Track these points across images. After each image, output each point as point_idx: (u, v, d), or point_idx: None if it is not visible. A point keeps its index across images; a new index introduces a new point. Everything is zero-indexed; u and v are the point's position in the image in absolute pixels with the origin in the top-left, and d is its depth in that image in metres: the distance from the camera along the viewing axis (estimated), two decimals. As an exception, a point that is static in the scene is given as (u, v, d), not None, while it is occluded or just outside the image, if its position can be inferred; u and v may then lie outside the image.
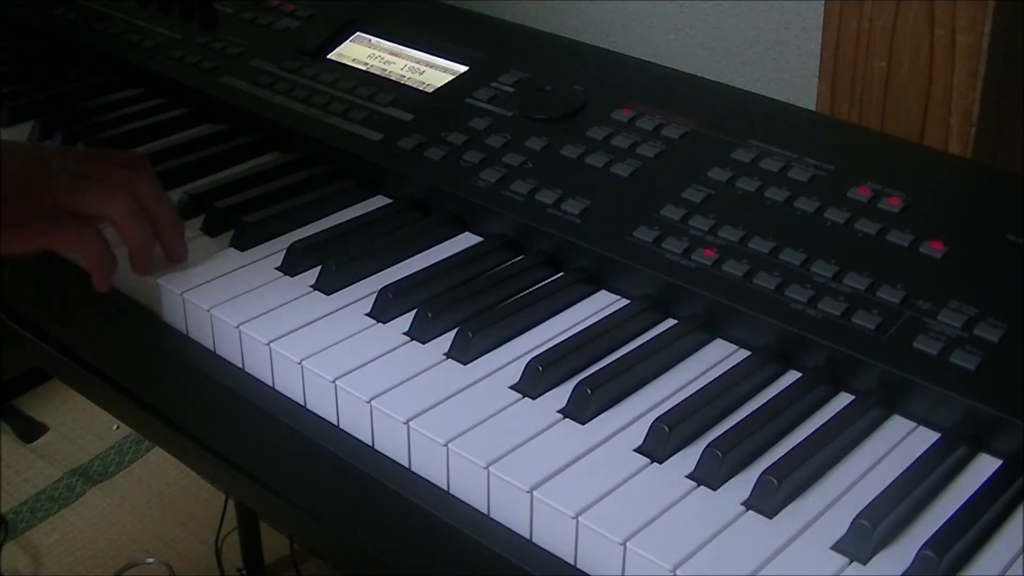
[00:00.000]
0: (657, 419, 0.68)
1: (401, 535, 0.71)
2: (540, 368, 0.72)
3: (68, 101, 1.11)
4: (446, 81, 0.99)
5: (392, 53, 1.04)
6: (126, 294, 0.86)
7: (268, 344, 0.76)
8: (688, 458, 0.66)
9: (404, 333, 0.77)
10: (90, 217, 0.82)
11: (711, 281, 0.77)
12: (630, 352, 0.74)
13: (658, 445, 0.67)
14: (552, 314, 0.79)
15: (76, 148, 0.93)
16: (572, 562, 0.63)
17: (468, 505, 0.67)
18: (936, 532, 0.61)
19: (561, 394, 0.71)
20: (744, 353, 0.76)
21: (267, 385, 0.77)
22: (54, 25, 1.20)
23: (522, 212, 0.85)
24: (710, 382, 0.72)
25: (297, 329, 0.77)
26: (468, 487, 0.67)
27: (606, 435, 0.68)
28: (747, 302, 0.75)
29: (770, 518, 0.63)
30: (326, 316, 0.79)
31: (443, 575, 0.69)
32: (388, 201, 0.93)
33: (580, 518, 0.62)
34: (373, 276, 0.83)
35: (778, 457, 0.66)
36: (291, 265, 0.84)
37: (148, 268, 0.83)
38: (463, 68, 1.00)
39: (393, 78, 1.01)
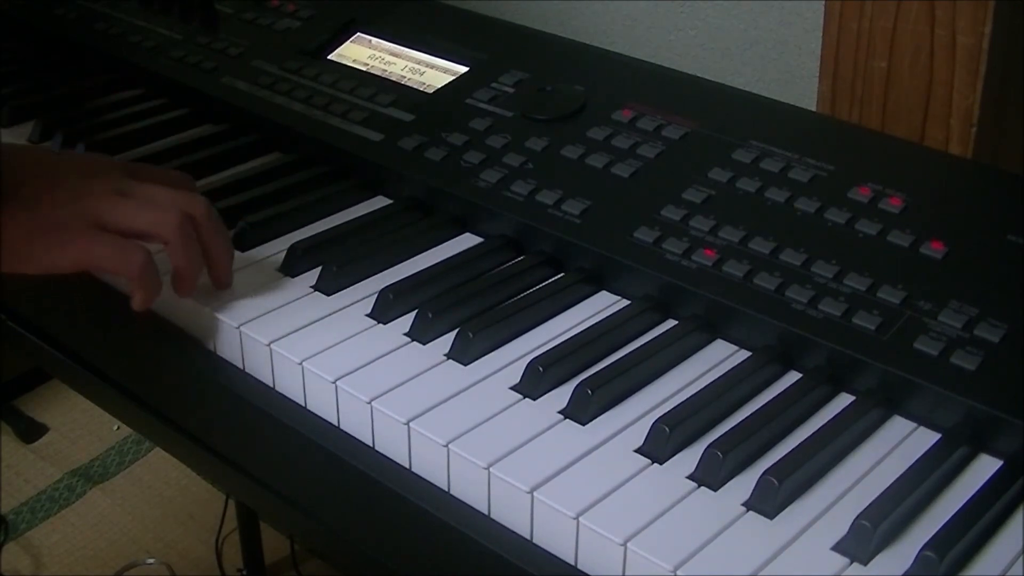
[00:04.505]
0: (658, 420, 0.68)
1: (401, 536, 0.71)
2: (541, 369, 0.72)
3: (68, 101, 1.11)
4: (447, 82, 0.99)
5: (393, 54, 1.04)
6: (126, 295, 0.86)
7: (268, 345, 0.76)
8: (689, 459, 0.66)
9: (404, 334, 0.77)
10: (136, 235, 0.77)
11: (712, 281, 0.77)
12: (631, 353, 0.74)
13: (659, 446, 0.67)
14: (553, 315, 0.79)
15: (125, 163, 0.85)
16: (573, 563, 0.63)
17: (469, 506, 0.67)
18: (937, 532, 0.61)
19: (562, 395, 0.71)
20: (745, 354, 0.76)
21: (267, 386, 0.77)
22: (54, 25, 1.20)
23: (522, 212, 0.85)
24: (711, 383, 0.72)
25: (298, 330, 0.77)
26: (469, 488, 0.67)
27: (607, 436, 0.68)
28: (748, 303, 0.75)
29: (771, 518, 0.63)
30: (326, 317, 0.79)
31: (444, 575, 0.69)
32: (389, 202, 0.93)
33: (581, 519, 0.62)
34: (374, 277, 0.83)
35: (779, 458, 0.66)
36: (291, 265, 0.84)
37: (191, 292, 0.79)
38: (463, 69, 1.00)
39: (394, 79, 1.01)
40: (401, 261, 0.85)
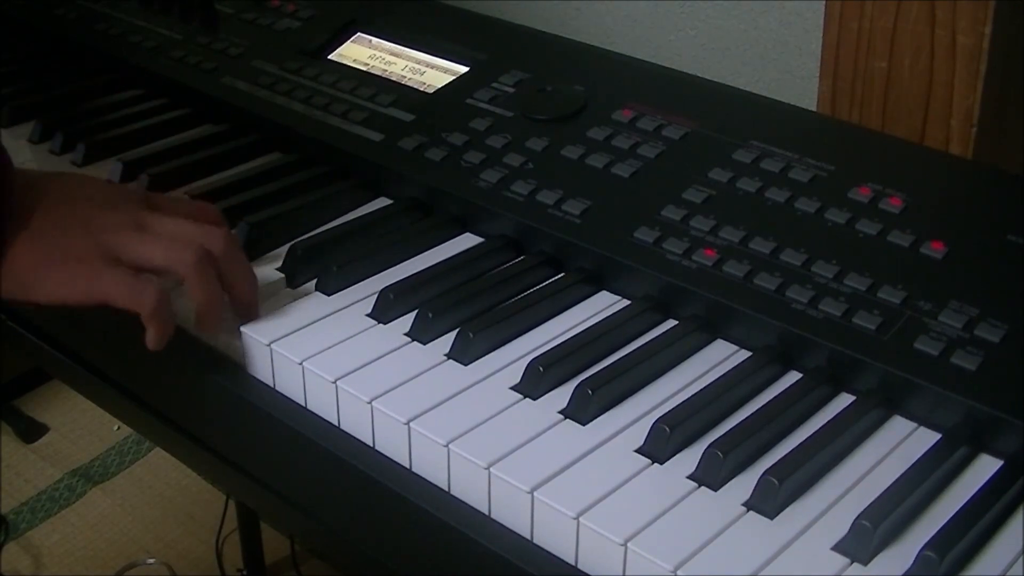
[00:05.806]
0: (658, 420, 0.68)
1: (402, 536, 0.71)
2: (541, 369, 0.72)
3: (69, 102, 1.11)
4: (447, 82, 0.99)
5: (393, 54, 1.04)
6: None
7: (269, 345, 0.76)
8: (689, 459, 0.66)
9: (405, 334, 0.77)
10: (152, 270, 0.75)
11: (712, 281, 0.77)
12: (631, 353, 0.74)
13: (659, 446, 0.67)
14: (553, 315, 0.79)
15: (147, 193, 0.83)
16: (573, 563, 0.63)
17: (469, 506, 0.67)
18: (937, 532, 0.61)
19: (562, 395, 0.71)
20: (745, 354, 0.76)
21: (268, 386, 0.77)
22: (54, 25, 1.20)
23: (523, 213, 0.85)
24: (711, 383, 0.72)
25: (298, 330, 0.77)
26: (469, 488, 0.67)
27: (607, 436, 0.68)
28: (748, 302, 0.75)
29: (771, 519, 0.63)
30: (327, 317, 0.79)
31: (444, 575, 0.69)
32: (389, 202, 0.93)
33: (581, 519, 0.62)
34: (374, 277, 0.83)
35: (779, 458, 0.66)
36: (291, 266, 0.84)
37: (216, 328, 0.77)
38: (464, 69, 1.00)
39: (394, 79, 1.01)
40: (401, 261, 0.85)
